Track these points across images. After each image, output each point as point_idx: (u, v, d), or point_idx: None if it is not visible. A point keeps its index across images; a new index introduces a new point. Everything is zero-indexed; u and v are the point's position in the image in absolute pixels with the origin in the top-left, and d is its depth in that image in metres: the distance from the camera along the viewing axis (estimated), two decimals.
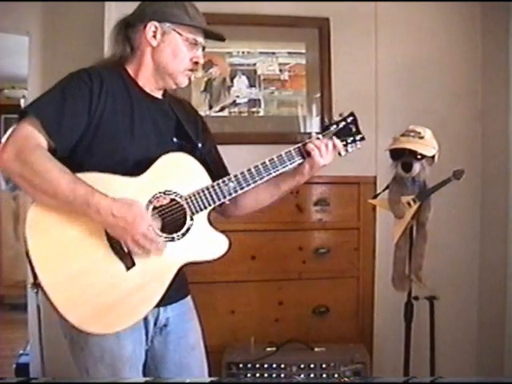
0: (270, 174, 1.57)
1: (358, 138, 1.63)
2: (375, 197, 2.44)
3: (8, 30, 3.03)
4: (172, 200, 1.50)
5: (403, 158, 2.20)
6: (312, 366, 2.39)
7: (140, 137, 1.53)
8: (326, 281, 2.75)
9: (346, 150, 1.63)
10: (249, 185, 1.55)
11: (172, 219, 1.50)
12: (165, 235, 1.48)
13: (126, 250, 1.44)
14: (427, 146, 2.18)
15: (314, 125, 2.81)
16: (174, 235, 1.49)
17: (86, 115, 1.46)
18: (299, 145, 1.60)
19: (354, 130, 1.63)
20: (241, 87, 2.75)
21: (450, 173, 2.17)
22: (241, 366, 2.38)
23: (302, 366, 2.39)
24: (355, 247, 2.77)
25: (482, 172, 2.82)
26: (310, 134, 2.72)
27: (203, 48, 1.61)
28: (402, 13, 2.80)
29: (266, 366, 2.39)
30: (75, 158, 1.46)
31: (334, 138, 1.61)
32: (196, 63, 1.60)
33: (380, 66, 2.79)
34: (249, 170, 1.56)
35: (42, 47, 2.88)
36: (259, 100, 2.77)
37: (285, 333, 2.64)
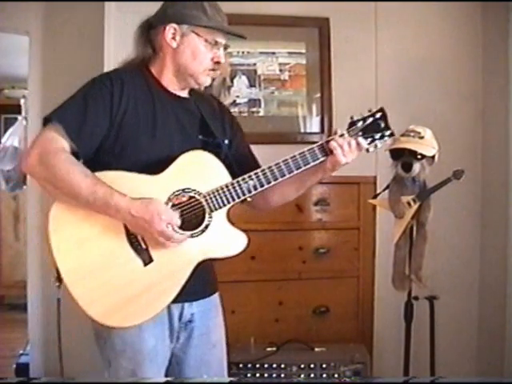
0: (292, 172, 1.56)
1: (386, 133, 1.60)
2: (375, 197, 2.44)
3: (8, 29, 3.03)
4: (191, 197, 1.52)
5: (403, 158, 2.20)
6: (312, 366, 2.39)
7: (162, 137, 1.56)
8: (326, 281, 2.74)
9: (375, 146, 1.60)
10: (269, 182, 1.56)
11: (191, 216, 1.52)
12: (184, 233, 1.50)
13: (143, 246, 1.48)
14: (427, 146, 2.18)
15: (314, 125, 2.81)
16: (193, 232, 1.51)
17: (108, 119, 1.50)
18: (322, 142, 1.58)
19: (382, 125, 1.59)
20: (241, 87, 2.75)
21: (450, 173, 2.17)
22: (241, 365, 2.38)
23: (302, 366, 2.38)
24: (355, 247, 2.77)
25: (482, 172, 2.82)
26: (309, 134, 2.78)
27: (225, 47, 1.63)
28: (402, 13, 2.79)
29: (266, 365, 2.39)
30: (100, 159, 1.51)
31: (359, 136, 1.58)
32: (217, 63, 1.61)
33: (380, 66, 2.79)
34: (270, 167, 1.56)
35: (42, 47, 2.87)
36: (259, 100, 2.77)
37: (285, 333, 2.63)
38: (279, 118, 2.79)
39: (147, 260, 1.48)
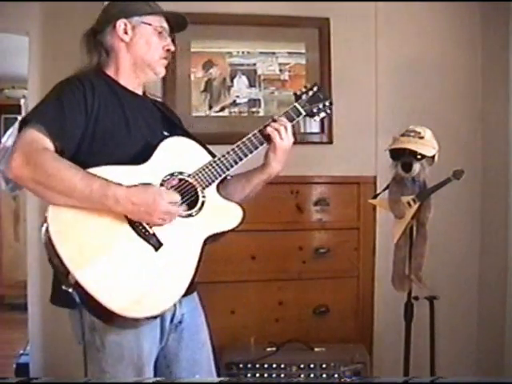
0: (259, 145, 1.66)
1: (327, 103, 1.78)
2: (375, 197, 2.44)
3: (8, 30, 3.03)
4: (181, 180, 1.57)
5: (403, 158, 2.20)
6: (312, 366, 2.38)
7: (135, 132, 1.59)
8: (326, 281, 2.75)
9: (319, 116, 1.77)
10: (246, 155, 1.64)
11: (185, 197, 1.56)
12: (183, 213, 1.54)
13: (150, 231, 1.49)
14: (427, 146, 2.18)
15: (313, 125, 2.80)
16: (192, 211, 1.56)
17: (84, 119, 1.51)
18: (259, 128, 1.68)
19: (321, 96, 1.77)
20: (241, 87, 2.75)
21: (450, 173, 2.17)
22: (241, 366, 2.38)
23: (302, 366, 2.38)
24: (355, 247, 2.77)
25: (482, 172, 2.82)
26: (309, 133, 2.78)
27: (171, 37, 1.70)
28: (402, 13, 2.79)
29: (265, 365, 2.39)
30: (78, 161, 1.48)
31: (298, 117, 1.72)
32: (168, 50, 1.68)
33: (380, 66, 2.79)
34: (243, 141, 1.65)
35: (42, 47, 2.88)
36: (259, 100, 2.77)
37: (285, 333, 2.63)
38: None
39: (157, 245, 1.50)
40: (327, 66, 2.77)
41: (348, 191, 2.76)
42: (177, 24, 1.71)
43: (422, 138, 2.18)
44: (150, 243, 1.49)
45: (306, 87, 1.77)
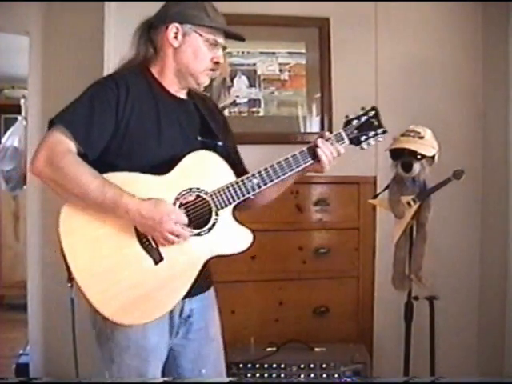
0: (293, 169, 1.60)
1: (379, 131, 1.65)
2: (375, 197, 2.44)
3: (8, 30, 3.03)
4: (198, 197, 1.55)
5: (403, 158, 2.20)
6: (312, 366, 2.38)
7: (167, 139, 1.58)
8: (326, 281, 2.74)
9: (368, 144, 1.65)
10: (272, 181, 1.59)
11: (198, 215, 1.55)
12: (191, 230, 1.53)
13: (153, 245, 1.51)
14: (427, 146, 2.18)
15: (313, 125, 2.81)
16: (200, 230, 1.55)
17: (114, 122, 1.52)
18: (311, 145, 1.63)
19: (376, 123, 1.64)
20: (241, 87, 2.75)
21: (449, 173, 2.17)
22: (241, 365, 2.38)
23: (302, 366, 2.38)
24: (355, 247, 2.77)
25: (482, 172, 2.82)
26: (309, 134, 2.78)
27: (224, 48, 1.65)
28: (402, 13, 2.80)
29: (265, 365, 2.39)
30: (106, 160, 1.52)
31: (348, 140, 1.64)
32: (217, 63, 1.64)
33: (380, 66, 2.79)
34: (271, 165, 1.59)
35: (42, 47, 2.88)
36: (259, 100, 2.77)
37: (285, 333, 2.63)
38: (279, 118, 2.79)
39: (158, 259, 1.51)
40: (327, 66, 2.77)
41: (348, 191, 2.76)
42: (233, 37, 1.67)
43: (421, 137, 2.18)
44: (150, 256, 1.51)
45: (363, 109, 1.65)
